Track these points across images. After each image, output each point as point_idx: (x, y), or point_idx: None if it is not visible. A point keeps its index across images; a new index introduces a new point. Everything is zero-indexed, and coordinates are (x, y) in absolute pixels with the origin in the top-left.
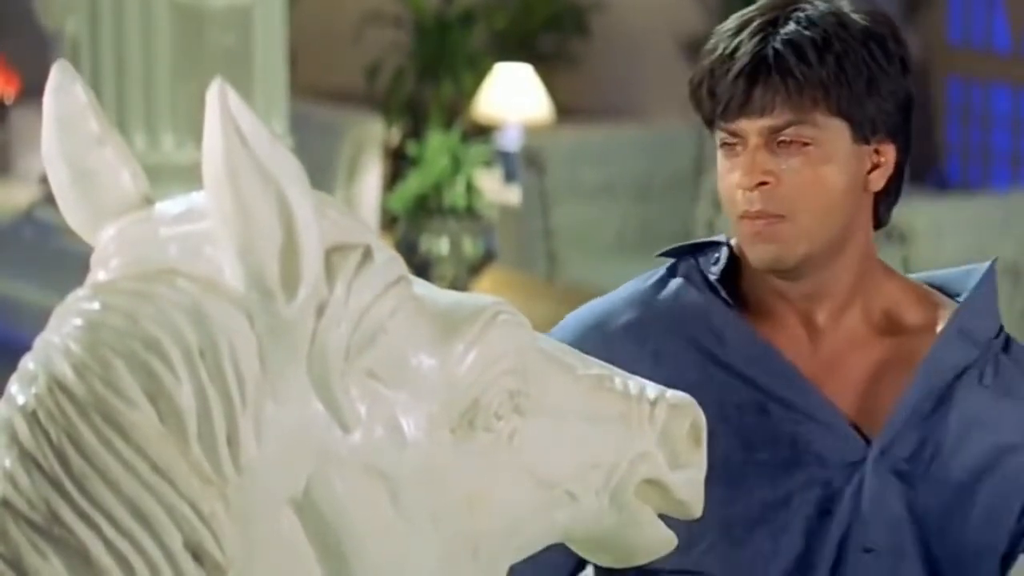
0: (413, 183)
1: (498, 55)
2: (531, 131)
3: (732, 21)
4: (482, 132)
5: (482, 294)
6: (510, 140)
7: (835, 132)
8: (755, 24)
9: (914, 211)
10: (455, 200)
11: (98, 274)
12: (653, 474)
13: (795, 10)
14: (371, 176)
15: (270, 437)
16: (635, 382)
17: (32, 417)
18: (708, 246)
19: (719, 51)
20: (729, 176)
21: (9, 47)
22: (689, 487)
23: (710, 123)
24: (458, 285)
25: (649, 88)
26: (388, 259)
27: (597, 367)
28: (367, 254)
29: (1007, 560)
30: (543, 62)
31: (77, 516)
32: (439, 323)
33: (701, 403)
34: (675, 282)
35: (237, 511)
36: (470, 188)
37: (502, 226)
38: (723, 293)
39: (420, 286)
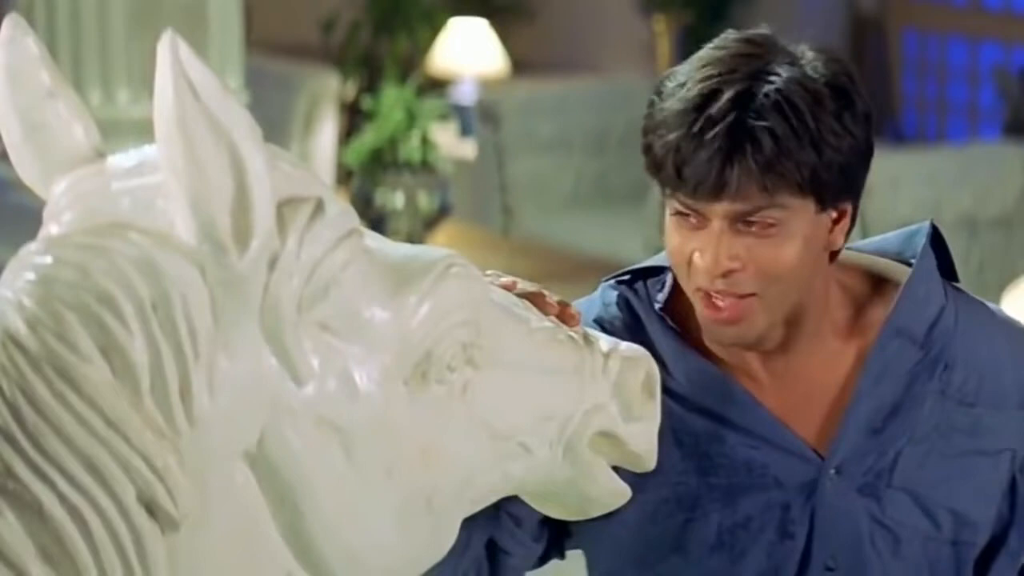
0: (368, 137)
1: (453, 9)
2: (486, 85)
3: (692, 85)
4: (437, 86)
5: (435, 247)
6: (465, 94)
7: (801, 209)
8: (725, 99)
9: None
10: (410, 154)
11: (50, 228)
12: (607, 426)
13: (762, 79)
14: (327, 130)
15: (223, 390)
16: (589, 335)
17: None
18: (653, 271)
19: (686, 127)
20: (685, 244)
21: None
22: (642, 439)
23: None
24: (413, 239)
25: (604, 42)
26: (340, 212)
27: (551, 321)
28: (319, 207)
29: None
30: (498, 16)
31: (31, 470)
32: (392, 276)
33: None
34: (621, 312)
35: (191, 464)
36: (425, 142)
37: (457, 180)
38: (670, 322)
39: (373, 239)
